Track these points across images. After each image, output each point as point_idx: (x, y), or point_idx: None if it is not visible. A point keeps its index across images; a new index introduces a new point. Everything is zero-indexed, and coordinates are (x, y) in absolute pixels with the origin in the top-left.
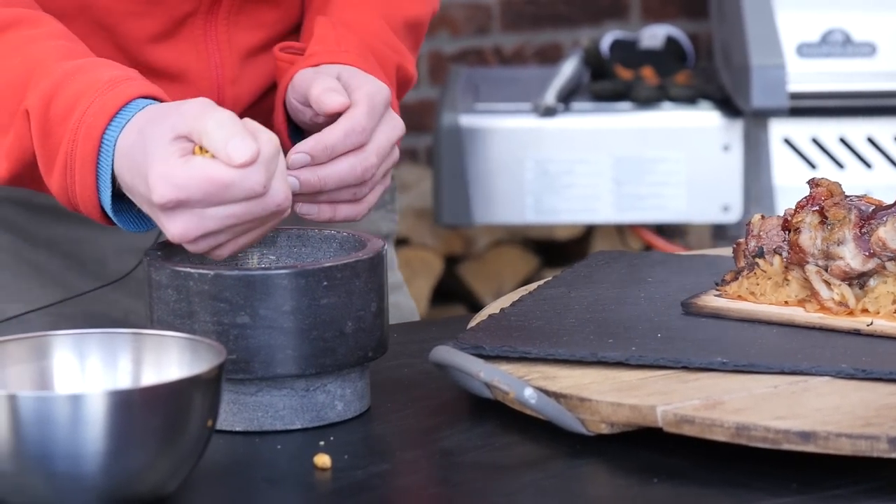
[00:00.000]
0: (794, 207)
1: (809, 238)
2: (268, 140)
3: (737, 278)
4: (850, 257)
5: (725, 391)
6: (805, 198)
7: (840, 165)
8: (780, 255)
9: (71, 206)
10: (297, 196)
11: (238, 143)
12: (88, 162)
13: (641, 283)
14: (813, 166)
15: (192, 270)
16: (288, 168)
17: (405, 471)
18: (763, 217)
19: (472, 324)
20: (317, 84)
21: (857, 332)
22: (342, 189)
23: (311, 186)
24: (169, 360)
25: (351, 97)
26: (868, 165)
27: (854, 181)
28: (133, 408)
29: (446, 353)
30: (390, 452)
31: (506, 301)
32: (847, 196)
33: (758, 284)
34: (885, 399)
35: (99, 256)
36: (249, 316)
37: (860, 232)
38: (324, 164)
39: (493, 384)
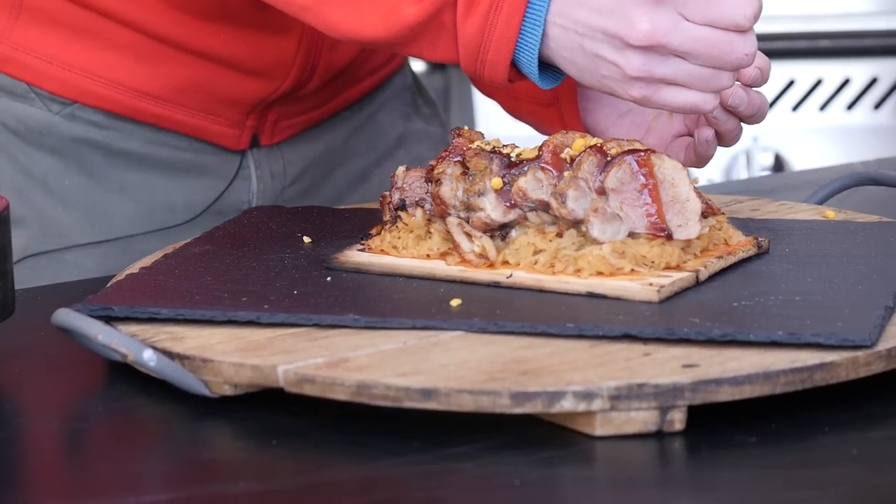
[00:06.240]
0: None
1: (451, 189)
2: None
3: (381, 232)
4: (491, 208)
5: (353, 348)
6: (447, 148)
7: None
8: (423, 207)
9: (471, 60)
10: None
11: None
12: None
13: (290, 240)
14: None
15: None
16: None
17: (22, 438)
18: (407, 169)
19: (110, 284)
20: None
21: (496, 285)
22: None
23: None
24: None
25: None
26: None
27: None
28: None
29: (66, 316)
30: (8, 419)
31: (149, 260)
32: (495, 147)
33: (399, 238)
34: (513, 353)
35: (169, 204)
36: None
37: (502, 182)
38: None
39: (111, 347)
